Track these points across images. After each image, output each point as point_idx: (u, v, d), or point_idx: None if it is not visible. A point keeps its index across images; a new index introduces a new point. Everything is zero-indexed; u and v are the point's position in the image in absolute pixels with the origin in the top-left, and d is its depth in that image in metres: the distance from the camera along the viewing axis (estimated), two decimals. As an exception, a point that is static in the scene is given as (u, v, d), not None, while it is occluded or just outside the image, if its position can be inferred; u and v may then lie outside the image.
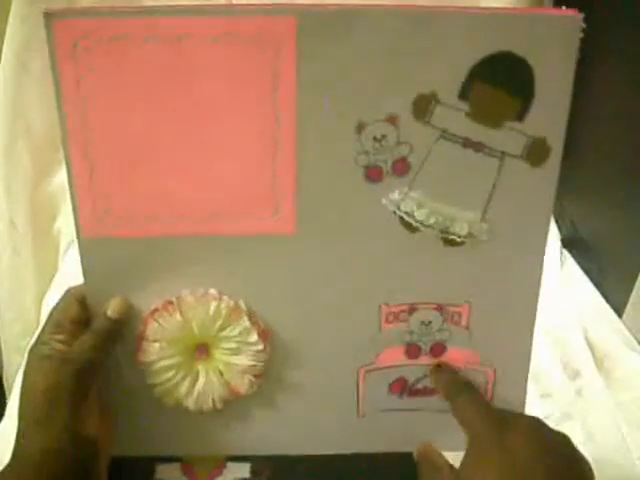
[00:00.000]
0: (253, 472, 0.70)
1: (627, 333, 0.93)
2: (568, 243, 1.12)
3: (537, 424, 0.56)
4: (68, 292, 0.64)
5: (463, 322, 0.65)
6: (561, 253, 1.09)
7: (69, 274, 1.02)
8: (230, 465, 0.70)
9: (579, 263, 1.08)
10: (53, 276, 1.07)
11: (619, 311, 0.97)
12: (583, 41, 0.55)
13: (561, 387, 0.87)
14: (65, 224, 1.13)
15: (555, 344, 0.92)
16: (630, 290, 0.94)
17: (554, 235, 1.12)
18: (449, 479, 0.58)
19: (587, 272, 1.06)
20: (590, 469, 0.54)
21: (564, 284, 1.02)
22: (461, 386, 0.64)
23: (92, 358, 0.59)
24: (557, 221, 1.14)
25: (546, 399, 0.86)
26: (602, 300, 1.00)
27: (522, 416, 0.59)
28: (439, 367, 0.66)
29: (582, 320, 0.96)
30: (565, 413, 0.84)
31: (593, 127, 1.04)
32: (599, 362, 0.90)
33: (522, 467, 0.52)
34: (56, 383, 0.56)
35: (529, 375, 0.67)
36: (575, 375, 0.88)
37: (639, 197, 0.94)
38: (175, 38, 0.54)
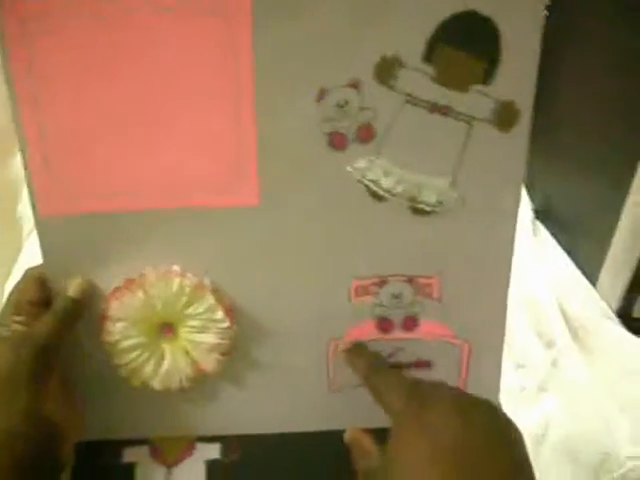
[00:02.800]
0: (223, 452, 0.69)
1: (601, 302, 0.93)
2: (541, 214, 1.12)
3: (456, 397, 0.54)
4: (27, 272, 0.63)
5: (435, 294, 0.64)
6: (534, 224, 1.09)
7: (32, 259, 1.00)
8: (200, 446, 0.70)
9: (552, 234, 1.08)
10: (16, 261, 1.05)
11: (593, 280, 0.97)
12: (555, 10, 0.54)
13: (536, 357, 0.87)
14: (28, 209, 1.11)
15: (530, 314, 0.92)
16: (603, 260, 0.94)
17: (527, 206, 1.11)
18: (378, 463, 0.57)
19: (560, 242, 1.06)
20: (516, 430, 0.53)
21: (537, 255, 1.02)
22: (377, 364, 0.63)
23: (52, 339, 0.57)
24: (529, 192, 1.14)
25: (521, 370, 0.85)
26: (576, 270, 1.00)
27: (440, 390, 0.56)
28: (352, 350, 0.65)
29: (556, 290, 0.96)
30: (541, 384, 0.83)
31: (566, 99, 1.04)
32: (574, 331, 0.90)
33: (445, 447, 0.50)
34: (14, 364, 0.55)
35: (504, 346, 0.67)
36: (550, 345, 0.88)
37: (611, 168, 0.93)
38: (127, 10, 0.53)
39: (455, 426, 0.51)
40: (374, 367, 0.62)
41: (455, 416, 0.52)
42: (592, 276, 0.97)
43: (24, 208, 1.12)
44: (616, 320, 0.91)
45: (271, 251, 0.62)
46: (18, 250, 1.09)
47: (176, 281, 0.60)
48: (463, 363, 0.67)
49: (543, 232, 1.08)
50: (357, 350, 0.65)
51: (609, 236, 0.92)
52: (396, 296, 0.64)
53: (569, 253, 1.03)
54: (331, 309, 0.64)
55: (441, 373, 0.67)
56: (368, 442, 0.59)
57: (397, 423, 0.55)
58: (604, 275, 0.94)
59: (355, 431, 0.61)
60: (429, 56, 0.55)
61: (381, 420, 0.64)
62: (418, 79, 0.56)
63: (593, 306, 0.93)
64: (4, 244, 1.10)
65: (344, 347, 0.65)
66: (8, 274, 1.04)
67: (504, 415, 0.53)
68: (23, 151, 0.57)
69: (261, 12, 0.53)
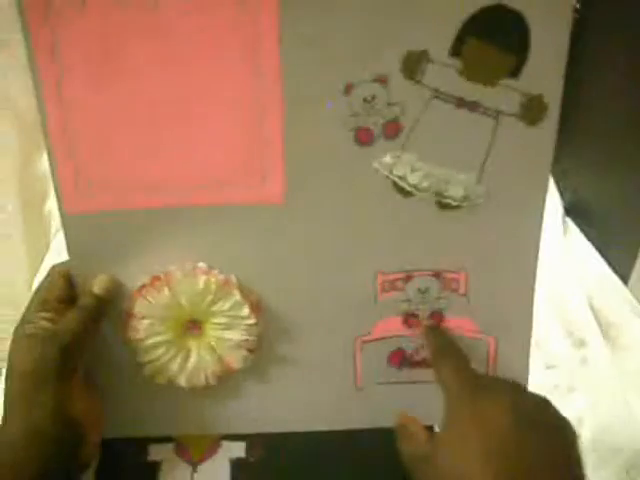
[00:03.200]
0: (248, 451, 0.69)
1: (633, 300, 0.92)
2: (571, 211, 1.11)
3: (513, 390, 0.54)
4: (53, 269, 0.63)
5: (461, 289, 0.63)
6: (564, 221, 1.08)
7: (60, 256, 1.01)
8: (225, 444, 0.69)
9: (582, 231, 1.07)
10: (44, 259, 1.06)
11: (624, 278, 0.95)
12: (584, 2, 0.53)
13: (566, 357, 0.86)
14: (56, 205, 1.12)
15: (560, 313, 0.91)
16: (635, 257, 0.93)
17: (556, 203, 1.10)
18: (425, 450, 0.57)
19: (591, 240, 1.04)
20: (573, 432, 0.52)
21: (567, 252, 1.01)
22: (447, 349, 0.62)
23: (78, 336, 0.57)
24: (559, 188, 1.12)
25: (551, 370, 0.84)
26: (607, 267, 0.98)
27: (498, 382, 0.56)
28: (433, 328, 0.64)
29: (587, 288, 0.95)
30: (571, 384, 0.83)
31: (597, 92, 1.03)
32: (605, 330, 0.89)
33: (499, 438, 0.50)
34: (40, 361, 0.55)
35: (534, 345, 0.66)
36: (580, 344, 0.87)
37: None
38: (152, 2, 0.53)
39: (508, 421, 0.51)
40: (443, 348, 0.62)
41: (509, 411, 0.52)
42: (623, 273, 0.96)
43: (53, 204, 1.12)
44: (647, 318, 0.90)
45: (297, 247, 0.61)
46: (46, 247, 1.10)
47: (202, 278, 0.60)
48: (490, 359, 0.66)
49: (573, 229, 1.07)
50: (435, 327, 0.64)
51: (641, 233, 0.91)
52: (422, 291, 0.63)
53: (600, 250, 1.02)
54: (357, 305, 0.64)
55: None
56: (416, 427, 0.59)
57: (451, 411, 0.55)
58: (636, 273, 0.93)
59: (405, 417, 0.61)
60: (457, 50, 0.54)
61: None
62: (445, 74, 0.55)
63: (624, 304, 0.92)
64: (32, 241, 1.11)
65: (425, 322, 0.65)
66: (36, 271, 1.05)
67: (559, 413, 0.53)
68: (48, 148, 0.57)
69: (287, 6, 0.53)
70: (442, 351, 0.62)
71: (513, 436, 0.50)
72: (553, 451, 0.50)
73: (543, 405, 0.53)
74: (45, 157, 0.56)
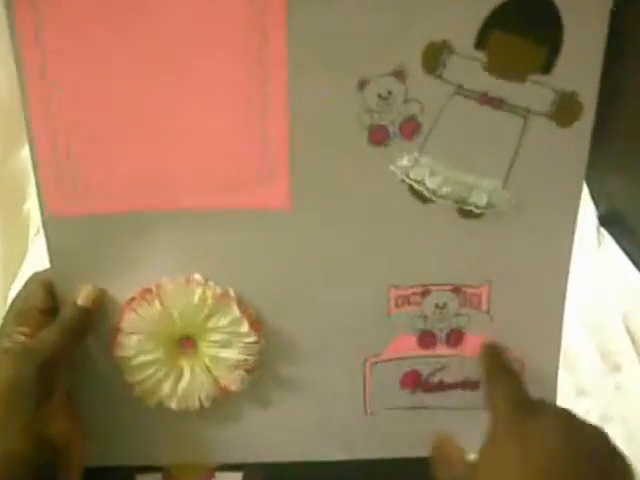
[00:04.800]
0: (246, 482, 0.69)
1: (673, 320, 0.92)
2: (606, 221, 1.11)
3: (566, 416, 0.55)
4: (33, 278, 0.63)
5: (483, 305, 0.63)
6: (598, 232, 1.08)
7: (38, 261, 1.01)
8: (219, 475, 0.69)
9: (618, 242, 1.07)
10: (21, 264, 1.06)
11: (664, 295, 0.95)
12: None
13: (599, 382, 0.86)
14: (35, 206, 1.11)
15: (592, 333, 0.91)
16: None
17: (590, 212, 1.10)
18: (464, 475, 0.57)
19: (627, 252, 1.04)
20: (630, 467, 0.52)
21: (602, 266, 1.01)
22: (500, 369, 0.62)
23: (57, 351, 0.57)
24: (593, 196, 1.12)
25: (583, 396, 0.84)
26: (645, 284, 0.98)
27: (550, 407, 0.57)
28: (490, 347, 0.65)
29: (622, 306, 0.94)
30: (604, 412, 0.82)
31: (637, 90, 1.03)
32: (640, 352, 0.89)
33: (547, 466, 0.50)
34: (16, 378, 0.55)
35: (564, 368, 0.66)
36: (614, 368, 0.87)
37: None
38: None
39: (557, 445, 0.51)
40: (497, 370, 0.62)
41: (559, 435, 0.52)
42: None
43: (32, 204, 1.12)
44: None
45: (302, 258, 0.61)
46: (25, 250, 1.10)
47: (198, 291, 0.60)
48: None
49: (608, 241, 1.07)
50: (492, 347, 0.65)
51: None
52: (440, 307, 0.64)
53: (637, 264, 1.02)
54: (368, 322, 0.64)
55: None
56: (454, 451, 0.60)
57: (495, 434, 0.55)
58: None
59: (442, 438, 0.61)
60: (482, 42, 0.55)
61: (418, 449, 0.64)
62: (469, 68, 0.55)
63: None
64: (9, 244, 1.11)
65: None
66: (13, 277, 1.05)
67: (616, 446, 0.53)
68: (30, 141, 0.57)
69: None
70: (495, 373, 0.62)
71: (561, 462, 0.50)
72: None
73: (598, 435, 0.53)
74: (25, 151, 0.56)
